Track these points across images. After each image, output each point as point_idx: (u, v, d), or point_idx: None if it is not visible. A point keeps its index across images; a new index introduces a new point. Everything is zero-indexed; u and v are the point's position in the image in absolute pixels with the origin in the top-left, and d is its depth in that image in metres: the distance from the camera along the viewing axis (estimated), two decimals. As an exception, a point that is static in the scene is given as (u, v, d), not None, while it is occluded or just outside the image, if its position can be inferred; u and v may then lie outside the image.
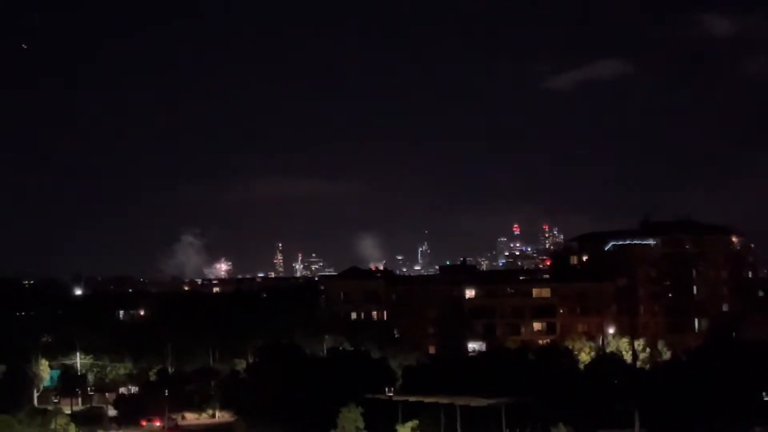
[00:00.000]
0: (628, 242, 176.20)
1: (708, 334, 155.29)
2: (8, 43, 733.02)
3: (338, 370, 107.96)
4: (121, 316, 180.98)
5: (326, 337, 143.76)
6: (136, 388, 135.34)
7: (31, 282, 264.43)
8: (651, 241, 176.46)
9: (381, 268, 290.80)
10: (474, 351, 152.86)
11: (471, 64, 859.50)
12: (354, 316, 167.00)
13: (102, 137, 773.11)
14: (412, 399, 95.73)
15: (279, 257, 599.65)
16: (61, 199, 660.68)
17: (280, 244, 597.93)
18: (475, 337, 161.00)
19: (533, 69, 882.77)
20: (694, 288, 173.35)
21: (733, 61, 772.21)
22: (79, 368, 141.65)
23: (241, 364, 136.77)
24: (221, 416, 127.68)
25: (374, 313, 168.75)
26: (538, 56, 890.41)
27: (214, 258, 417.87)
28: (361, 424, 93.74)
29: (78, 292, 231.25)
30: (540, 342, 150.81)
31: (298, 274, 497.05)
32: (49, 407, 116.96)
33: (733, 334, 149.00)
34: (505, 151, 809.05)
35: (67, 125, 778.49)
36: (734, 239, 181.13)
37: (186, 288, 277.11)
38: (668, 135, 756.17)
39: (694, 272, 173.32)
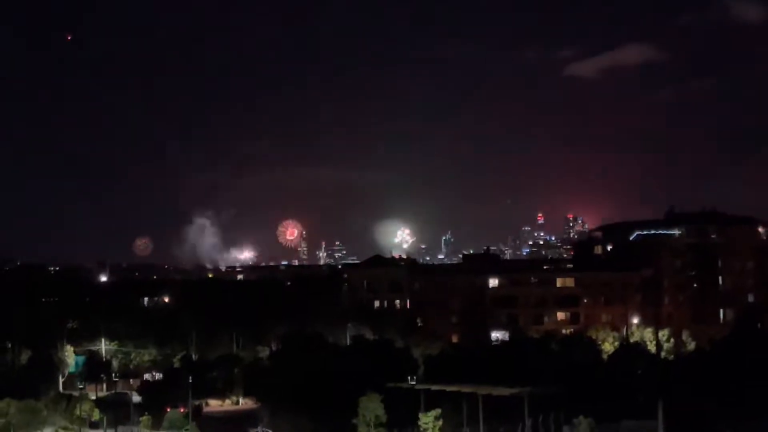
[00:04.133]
0: (652, 232, 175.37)
1: (733, 324, 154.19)
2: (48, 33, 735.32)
3: (361, 358, 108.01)
4: (145, 302, 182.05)
5: (349, 325, 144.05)
6: (160, 375, 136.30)
7: (57, 268, 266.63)
8: (676, 232, 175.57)
9: (404, 256, 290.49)
10: (497, 340, 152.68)
11: (493, 49, 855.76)
12: (377, 304, 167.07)
13: (121, 126, 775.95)
14: (434, 388, 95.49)
15: (303, 245, 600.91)
16: (84, 187, 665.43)
17: (304, 232, 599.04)
18: (498, 327, 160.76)
19: (556, 55, 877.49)
20: (720, 279, 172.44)
21: (762, 47, 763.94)
22: (104, 354, 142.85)
23: (264, 352, 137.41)
24: (244, 403, 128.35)
25: (397, 301, 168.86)
26: (562, 42, 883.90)
27: (230, 243, 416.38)
28: (381, 412, 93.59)
29: (103, 278, 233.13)
30: (563, 332, 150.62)
31: (322, 262, 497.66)
32: (74, 393, 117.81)
33: (759, 324, 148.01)
34: (528, 139, 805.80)
35: (86, 115, 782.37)
36: (760, 230, 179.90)
37: (210, 275, 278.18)
38: (695, 123, 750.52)
39: (719, 263, 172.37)
